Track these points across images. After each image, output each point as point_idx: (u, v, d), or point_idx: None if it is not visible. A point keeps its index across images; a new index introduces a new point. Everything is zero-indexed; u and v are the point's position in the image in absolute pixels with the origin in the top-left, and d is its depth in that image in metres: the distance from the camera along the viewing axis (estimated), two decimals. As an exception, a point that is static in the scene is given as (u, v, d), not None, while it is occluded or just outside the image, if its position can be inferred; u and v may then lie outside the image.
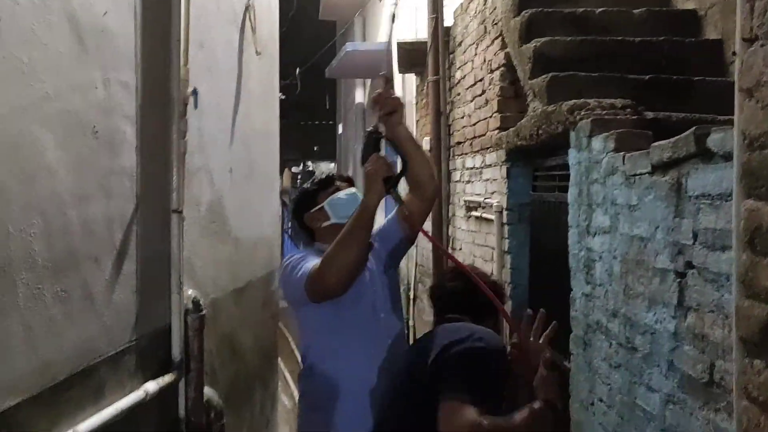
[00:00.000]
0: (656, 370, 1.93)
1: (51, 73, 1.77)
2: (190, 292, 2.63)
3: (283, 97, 6.15)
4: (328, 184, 2.29)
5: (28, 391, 1.67)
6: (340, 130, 13.02)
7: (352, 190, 2.32)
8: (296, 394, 5.98)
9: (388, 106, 1.99)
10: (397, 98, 2.08)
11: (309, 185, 2.32)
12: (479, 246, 4.23)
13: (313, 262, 2.05)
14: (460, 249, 4.99)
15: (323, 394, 2.17)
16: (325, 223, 2.24)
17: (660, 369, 1.91)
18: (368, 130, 2.05)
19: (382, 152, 2.00)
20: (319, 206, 2.25)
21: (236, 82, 3.21)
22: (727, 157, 1.51)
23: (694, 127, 1.67)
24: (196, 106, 2.60)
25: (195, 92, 2.56)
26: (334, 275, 1.95)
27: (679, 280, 1.78)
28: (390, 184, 1.91)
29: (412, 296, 6.73)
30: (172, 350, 2.51)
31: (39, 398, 1.72)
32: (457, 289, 1.99)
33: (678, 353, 1.80)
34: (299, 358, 2.44)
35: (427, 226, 5.44)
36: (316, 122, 16.24)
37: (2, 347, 1.59)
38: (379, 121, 2.00)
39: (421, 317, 6.57)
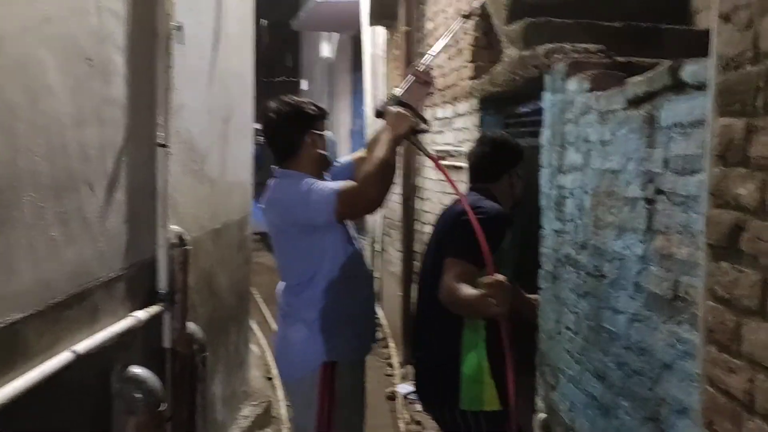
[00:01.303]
0: (623, 293, 2.08)
1: (50, -5, 1.78)
2: (174, 226, 2.67)
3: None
4: (324, 116, 2.40)
5: (32, 306, 1.73)
6: (305, 86, 12.91)
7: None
8: (264, 342, 6.10)
9: (426, 77, 2.47)
10: (433, 78, 2.57)
11: (312, 106, 2.39)
12: (448, 195, 4.35)
13: (332, 184, 2.22)
14: (429, 199, 5.11)
15: (335, 319, 2.29)
16: (321, 151, 2.34)
17: (627, 292, 2.05)
18: (392, 93, 2.46)
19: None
20: (322, 132, 2.35)
21: (215, 21, 3.20)
22: (700, 87, 1.63)
23: (668, 62, 1.78)
24: (181, 42, 2.60)
25: (180, 27, 2.56)
26: (377, 191, 2.20)
27: (648, 207, 1.92)
28: (413, 132, 2.34)
29: (380, 249, 6.84)
30: (158, 282, 2.55)
31: (42, 315, 1.77)
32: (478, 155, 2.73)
33: (644, 275, 1.94)
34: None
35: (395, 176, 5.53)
36: (278, 79, 16.04)
37: (9, 261, 1.63)
38: (411, 85, 2.44)
39: (387, 269, 6.69)
